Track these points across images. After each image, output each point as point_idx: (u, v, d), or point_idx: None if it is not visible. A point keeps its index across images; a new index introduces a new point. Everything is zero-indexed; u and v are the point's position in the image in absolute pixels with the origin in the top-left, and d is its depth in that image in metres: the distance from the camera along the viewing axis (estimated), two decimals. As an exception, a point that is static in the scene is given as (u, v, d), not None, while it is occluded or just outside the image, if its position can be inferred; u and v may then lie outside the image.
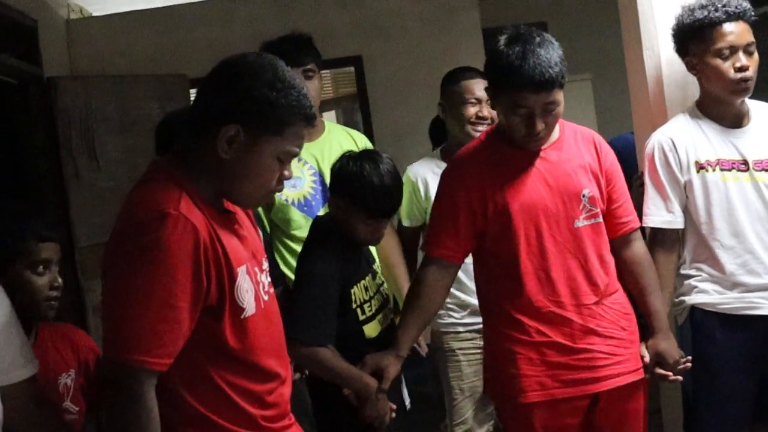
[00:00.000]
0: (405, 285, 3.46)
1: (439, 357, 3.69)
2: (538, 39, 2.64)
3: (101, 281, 1.98)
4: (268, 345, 2.09)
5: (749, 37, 2.92)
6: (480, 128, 3.41)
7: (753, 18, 2.94)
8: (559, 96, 2.66)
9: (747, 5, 2.93)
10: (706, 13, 2.93)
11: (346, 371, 2.72)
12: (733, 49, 2.91)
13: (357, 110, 7.46)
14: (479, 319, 3.05)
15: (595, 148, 2.84)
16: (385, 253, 3.55)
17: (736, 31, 2.91)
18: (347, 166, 2.79)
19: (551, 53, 2.62)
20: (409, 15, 6.94)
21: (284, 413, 2.15)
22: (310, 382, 2.93)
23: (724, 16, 2.90)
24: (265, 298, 2.10)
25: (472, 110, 3.45)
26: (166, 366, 1.88)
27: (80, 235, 5.17)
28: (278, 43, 3.38)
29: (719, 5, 2.91)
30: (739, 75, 2.91)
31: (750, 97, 3.03)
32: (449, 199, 2.83)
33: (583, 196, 2.76)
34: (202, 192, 1.99)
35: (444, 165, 3.24)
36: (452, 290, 3.33)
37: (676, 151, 2.98)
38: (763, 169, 2.93)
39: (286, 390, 2.16)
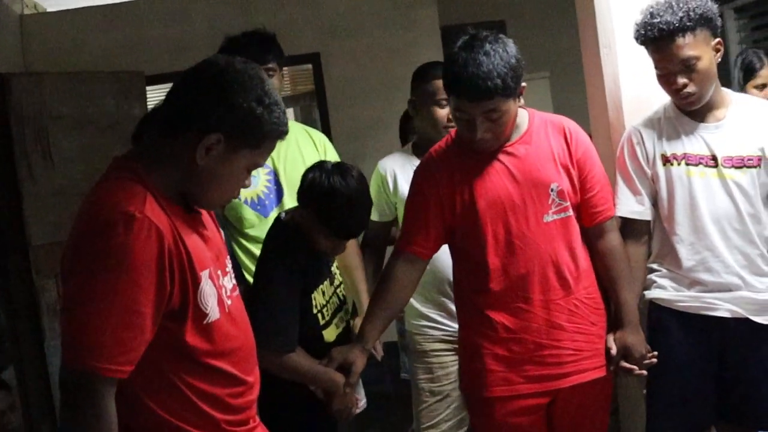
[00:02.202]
0: (363, 289, 3.47)
1: (410, 359, 3.67)
2: (487, 46, 2.63)
3: (56, 281, 1.94)
4: (235, 349, 2.06)
5: (684, 53, 2.81)
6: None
7: (691, 25, 2.80)
8: (503, 104, 2.65)
9: (678, 17, 2.80)
10: (637, 36, 2.90)
11: (314, 371, 2.75)
12: (668, 70, 2.86)
13: (315, 108, 7.44)
14: (456, 324, 3.06)
15: (565, 137, 2.83)
16: (344, 258, 3.53)
17: (665, 54, 2.84)
18: (319, 179, 2.77)
19: (496, 62, 2.61)
20: (367, 12, 6.93)
21: (249, 417, 2.13)
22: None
23: (651, 37, 2.84)
24: (229, 302, 2.07)
25: (443, 113, 3.38)
26: (127, 373, 1.85)
27: (34, 234, 5.08)
28: (241, 40, 3.36)
29: (648, 26, 2.84)
30: (678, 94, 2.88)
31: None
32: (420, 196, 2.85)
33: (552, 190, 2.76)
34: (167, 192, 1.96)
35: (415, 159, 3.24)
36: (429, 291, 3.33)
37: (644, 144, 2.97)
38: (732, 166, 2.90)
39: (253, 394, 2.14)
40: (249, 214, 3.33)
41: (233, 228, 3.39)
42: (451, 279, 3.00)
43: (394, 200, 3.53)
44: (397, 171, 3.52)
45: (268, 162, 3.36)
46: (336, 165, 2.86)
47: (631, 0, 3.11)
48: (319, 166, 2.83)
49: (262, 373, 2.23)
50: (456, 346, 3.42)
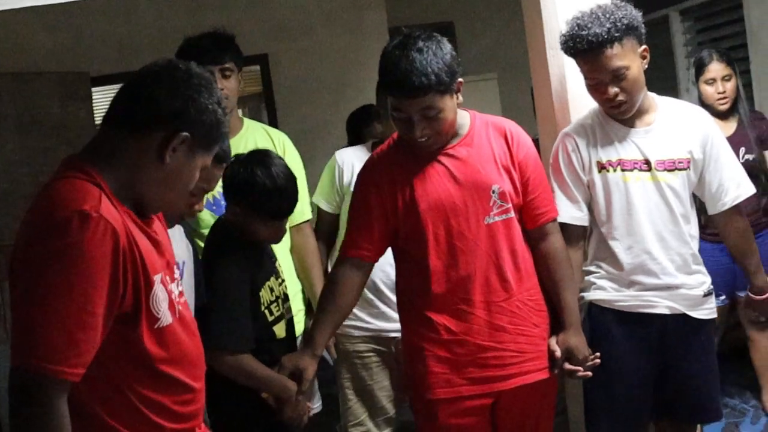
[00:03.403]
0: (319, 288, 3.45)
1: (337, 358, 3.68)
2: (420, 44, 2.63)
3: (6, 285, 1.90)
4: (185, 357, 2.04)
5: (613, 63, 2.84)
6: None
7: (618, 35, 2.82)
8: (439, 101, 2.64)
9: (606, 29, 2.82)
10: (565, 48, 2.93)
11: (267, 376, 2.74)
12: (598, 80, 2.90)
13: (263, 109, 7.41)
14: (381, 324, 3.06)
15: (506, 139, 2.83)
16: (301, 255, 3.53)
17: (595, 66, 2.87)
18: (238, 172, 2.78)
19: (429, 58, 2.61)
20: (316, 14, 6.92)
21: (195, 426, 2.11)
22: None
23: (580, 49, 2.87)
24: (179, 308, 2.05)
25: None
26: (80, 377, 1.80)
27: (-23, 237, 5.01)
28: (199, 40, 3.34)
29: (576, 38, 2.86)
30: (609, 103, 2.92)
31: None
32: (362, 200, 2.85)
33: (493, 192, 2.76)
34: (119, 192, 1.93)
35: None
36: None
37: (579, 152, 3.00)
38: (665, 169, 2.96)
39: (200, 402, 2.12)
40: (205, 214, 3.30)
41: (191, 228, 3.37)
42: (383, 279, 3.00)
43: (345, 192, 3.53)
44: (355, 164, 3.49)
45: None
46: (251, 153, 2.88)
47: (577, 2, 3.13)
48: (235, 160, 2.82)
49: (211, 380, 2.21)
50: (379, 347, 3.45)
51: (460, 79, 2.72)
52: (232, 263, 2.75)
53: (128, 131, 1.95)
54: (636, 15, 2.89)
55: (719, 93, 4.32)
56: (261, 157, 2.84)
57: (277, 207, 2.80)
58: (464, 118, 2.84)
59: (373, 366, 3.55)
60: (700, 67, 4.39)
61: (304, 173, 3.47)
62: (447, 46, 2.68)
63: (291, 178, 2.85)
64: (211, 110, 1.98)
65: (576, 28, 2.87)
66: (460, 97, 2.74)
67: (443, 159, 2.78)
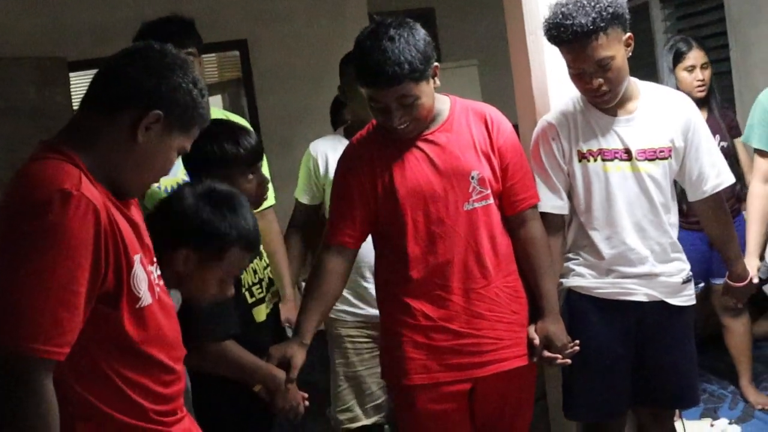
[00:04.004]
0: (285, 273, 3.48)
1: (330, 342, 3.68)
2: (391, 32, 2.61)
3: None
4: (164, 338, 2.04)
5: (599, 54, 2.79)
6: None
7: (604, 25, 2.77)
8: (415, 88, 2.63)
9: (591, 19, 2.77)
10: (548, 36, 2.88)
11: (253, 364, 2.69)
12: (582, 70, 2.86)
13: (242, 95, 7.38)
14: (374, 310, 3.06)
15: (486, 125, 2.82)
16: (265, 241, 3.51)
17: (580, 56, 2.83)
18: (204, 147, 2.66)
19: (402, 46, 2.59)
20: (296, -1, 6.89)
21: (177, 408, 2.11)
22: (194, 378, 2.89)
23: (564, 39, 2.82)
24: (158, 289, 2.05)
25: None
26: (64, 356, 1.80)
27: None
28: (160, 25, 3.31)
29: (561, 27, 2.81)
30: (593, 93, 2.89)
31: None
32: (344, 187, 2.84)
33: (472, 178, 2.76)
34: (97, 174, 1.92)
35: (347, 143, 3.24)
36: (351, 278, 3.34)
37: (560, 140, 2.99)
38: (646, 159, 2.94)
39: (181, 384, 2.12)
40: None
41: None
42: (372, 265, 3.00)
43: (324, 182, 3.53)
44: (329, 154, 3.50)
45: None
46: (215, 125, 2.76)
47: (558, -12, 3.11)
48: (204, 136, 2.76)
49: (200, 383, 2.21)
50: (372, 332, 3.44)
51: (436, 64, 2.71)
52: None
53: (103, 112, 1.95)
54: (621, 1, 2.85)
55: (698, 80, 4.34)
56: (224, 129, 2.81)
57: (247, 150, 2.77)
58: (444, 104, 2.83)
59: (364, 352, 3.55)
60: (678, 55, 4.40)
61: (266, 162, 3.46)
62: (420, 32, 2.67)
63: (242, 126, 2.88)
64: (185, 89, 1.98)
65: (560, 16, 2.81)
66: (438, 82, 2.73)
67: (422, 145, 2.77)
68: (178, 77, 1.98)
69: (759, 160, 3.75)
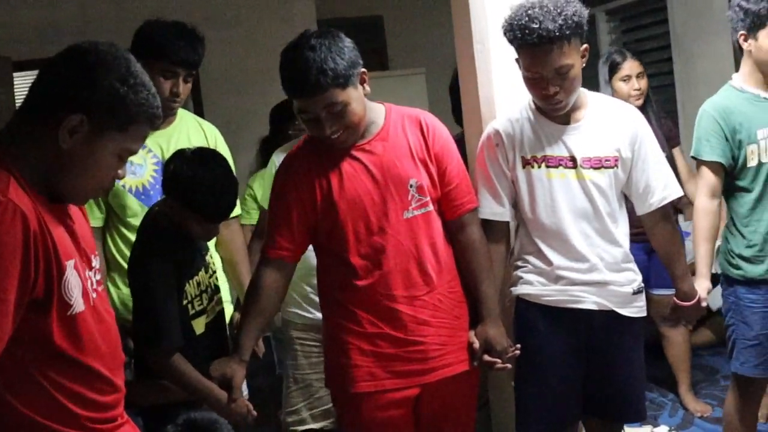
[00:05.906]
0: (246, 282, 3.44)
1: (277, 345, 3.67)
2: (312, 41, 2.62)
3: None
4: (99, 346, 2.00)
5: (560, 61, 2.79)
6: None
7: (568, 34, 2.77)
8: (341, 95, 2.62)
9: (558, 26, 2.76)
10: (510, 37, 2.86)
11: (196, 383, 2.69)
12: (540, 75, 2.84)
13: (189, 99, 7.32)
14: (319, 314, 3.05)
15: (422, 131, 2.81)
16: (229, 252, 3.53)
17: (541, 61, 2.80)
18: (180, 169, 2.71)
19: (323, 54, 2.59)
20: (244, 4, 6.89)
21: (116, 415, 2.07)
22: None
23: (528, 42, 2.80)
24: (94, 296, 2.01)
25: None
26: None
27: None
28: (175, 38, 3.26)
29: (526, 29, 2.79)
30: (547, 99, 2.88)
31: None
32: (281, 200, 2.82)
33: (411, 186, 2.76)
34: (31, 179, 1.88)
35: None
36: (300, 283, 3.36)
37: (504, 146, 2.98)
38: (591, 167, 2.94)
39: (119, 392, 2.08)
40: (132, 203, 3.25)
41: (115, 216, 3.31)
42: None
43: None
44: None
45: (157, 152, 3.29)
46: (196, 152, 2.82)
47: (505, -3, 3.13)
48: (179, 155, 2.78)
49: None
50: (320, 336, 3.44)
51: (363, 70, 2.70)
52: (157, 258, 2.70)
53: (33, 117, 1.92)
54: (584, 12, 2.84)
55: (635, 89, 4.44)
56: (207, 158, 2.79)
57: (216, 210, 2.75)
58: (379, 112, 2.82)
59: (313, 356, 3.53)
60: (614, 66, 4.51)
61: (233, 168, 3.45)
62: (344, 40, 2.67)
63: (233, 183, 2.81)
64: (107, 86, 1.90)
65: (526, 18, 2.78)
66: (367, 88, 2.73)
67: (359, 155, 2.76)
68: (99, 75, 1.90)
69: (707, 174, 3.40)
